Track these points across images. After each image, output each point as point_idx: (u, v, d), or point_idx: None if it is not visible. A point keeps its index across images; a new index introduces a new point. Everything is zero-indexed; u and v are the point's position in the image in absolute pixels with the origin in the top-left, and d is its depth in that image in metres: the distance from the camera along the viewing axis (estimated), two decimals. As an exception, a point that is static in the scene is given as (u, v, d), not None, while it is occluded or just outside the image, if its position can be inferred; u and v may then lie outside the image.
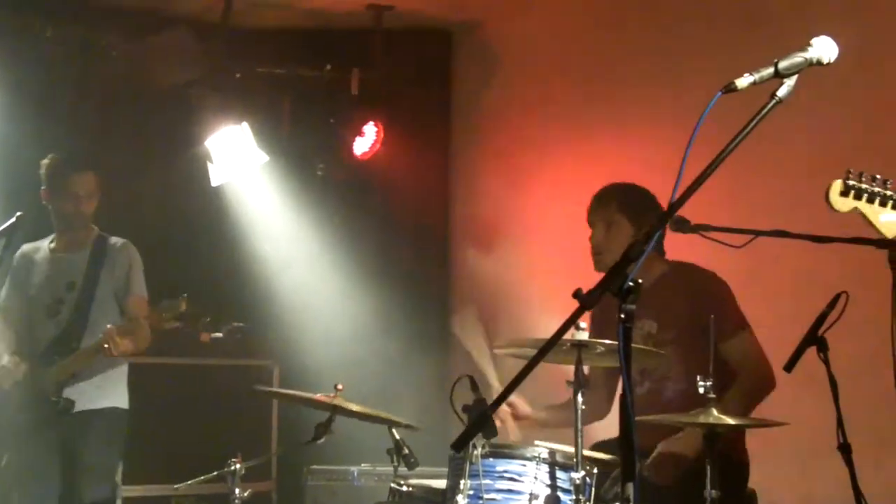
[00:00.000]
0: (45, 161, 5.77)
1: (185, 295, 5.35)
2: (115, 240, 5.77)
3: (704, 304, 4.36)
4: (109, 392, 5.62)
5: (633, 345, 2.54)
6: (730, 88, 2.56)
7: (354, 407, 4.54)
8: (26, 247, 5.78)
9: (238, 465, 4.46)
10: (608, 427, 4.24)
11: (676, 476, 4.25)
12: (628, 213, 4.70)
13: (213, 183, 7.04)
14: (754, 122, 2.56)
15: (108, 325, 5.32)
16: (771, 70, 2.59)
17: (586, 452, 4.19)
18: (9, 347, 5.65)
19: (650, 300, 4.36)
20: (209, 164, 6.96)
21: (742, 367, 4.45)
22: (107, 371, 5.60)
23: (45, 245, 5.79)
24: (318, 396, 4.61)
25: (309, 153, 7.59)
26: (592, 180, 4.95)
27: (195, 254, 7.29)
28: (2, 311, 5.78)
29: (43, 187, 5.76)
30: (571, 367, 3.80)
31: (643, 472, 4.10)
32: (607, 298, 2.50)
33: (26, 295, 5.71)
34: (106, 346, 5.25)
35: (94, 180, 5.70)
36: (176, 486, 5.23)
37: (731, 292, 4.58)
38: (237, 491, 4.46)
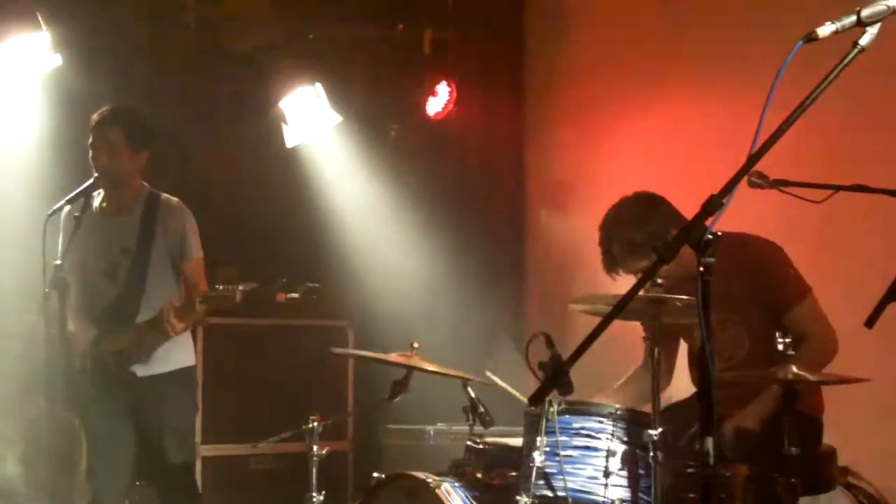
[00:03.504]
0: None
1: (242, 288, 5.15)
2: (167, 198, 5.49)
3: (763, 278, 4.29)
4: (178, 353, 5.46)
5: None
6: (811, 37, 2.51)
7: (430, 367, 4.54)
8: (72, 207, 5.40)
9: (316, 424, 4.49)
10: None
11: (749, 448, 4.20)
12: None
13: (288, 144, 7.08)
14: (836, 71, 2.51)
15: (166, 304, 5.18)
16: (853, 18, 2.53)
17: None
18: (72, 310, 5.38)
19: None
20: (283, 126, 7.00)
21: (807, 333, 4.33)
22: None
23: (93, 205, 5.49)
24: (394, 356, 4.61)
25: (382, 113, 7.61)
26: (666, 139, 4.90)
27: (270, 215, 7.33)
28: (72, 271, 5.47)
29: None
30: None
31: (726, 453, 4.03)
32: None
33: (83, 257, 5.44)
34: (166, 327, 5.15)
35: (121, 134, 5.35)
36: (254, 445, 5.29)
37: (787, 259, 4.43)
38: (315, 449, 4.49)
